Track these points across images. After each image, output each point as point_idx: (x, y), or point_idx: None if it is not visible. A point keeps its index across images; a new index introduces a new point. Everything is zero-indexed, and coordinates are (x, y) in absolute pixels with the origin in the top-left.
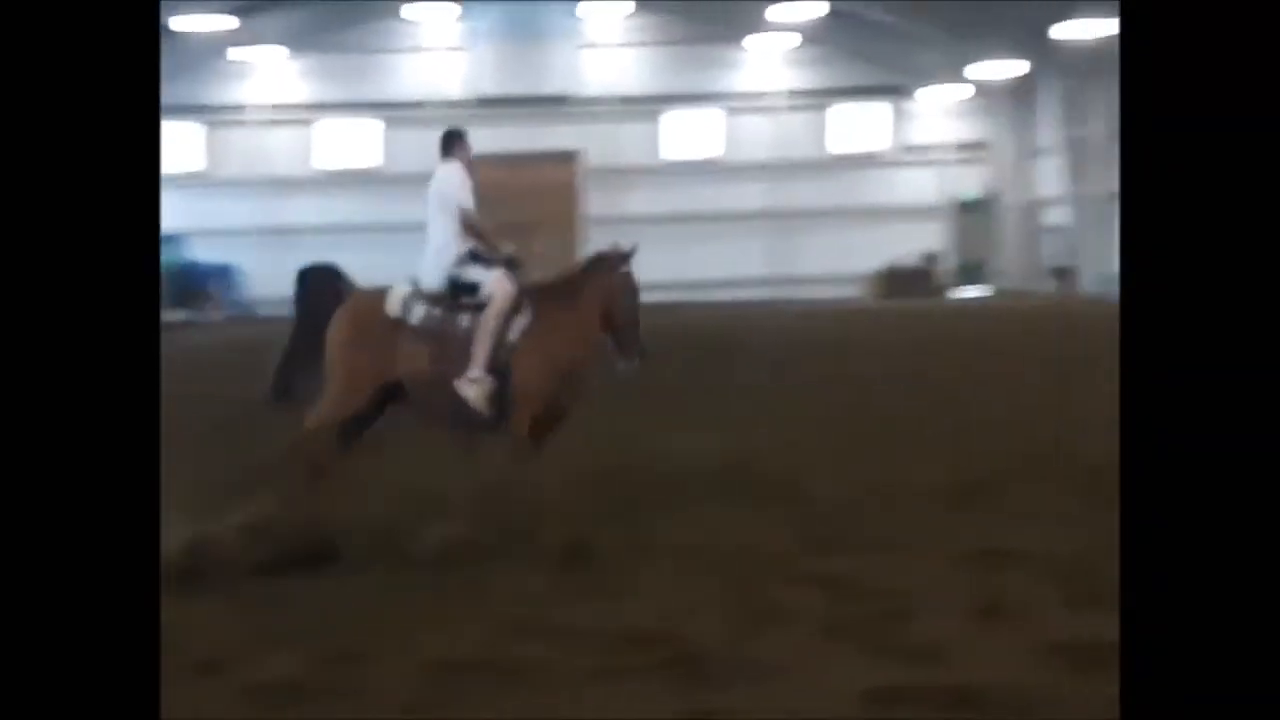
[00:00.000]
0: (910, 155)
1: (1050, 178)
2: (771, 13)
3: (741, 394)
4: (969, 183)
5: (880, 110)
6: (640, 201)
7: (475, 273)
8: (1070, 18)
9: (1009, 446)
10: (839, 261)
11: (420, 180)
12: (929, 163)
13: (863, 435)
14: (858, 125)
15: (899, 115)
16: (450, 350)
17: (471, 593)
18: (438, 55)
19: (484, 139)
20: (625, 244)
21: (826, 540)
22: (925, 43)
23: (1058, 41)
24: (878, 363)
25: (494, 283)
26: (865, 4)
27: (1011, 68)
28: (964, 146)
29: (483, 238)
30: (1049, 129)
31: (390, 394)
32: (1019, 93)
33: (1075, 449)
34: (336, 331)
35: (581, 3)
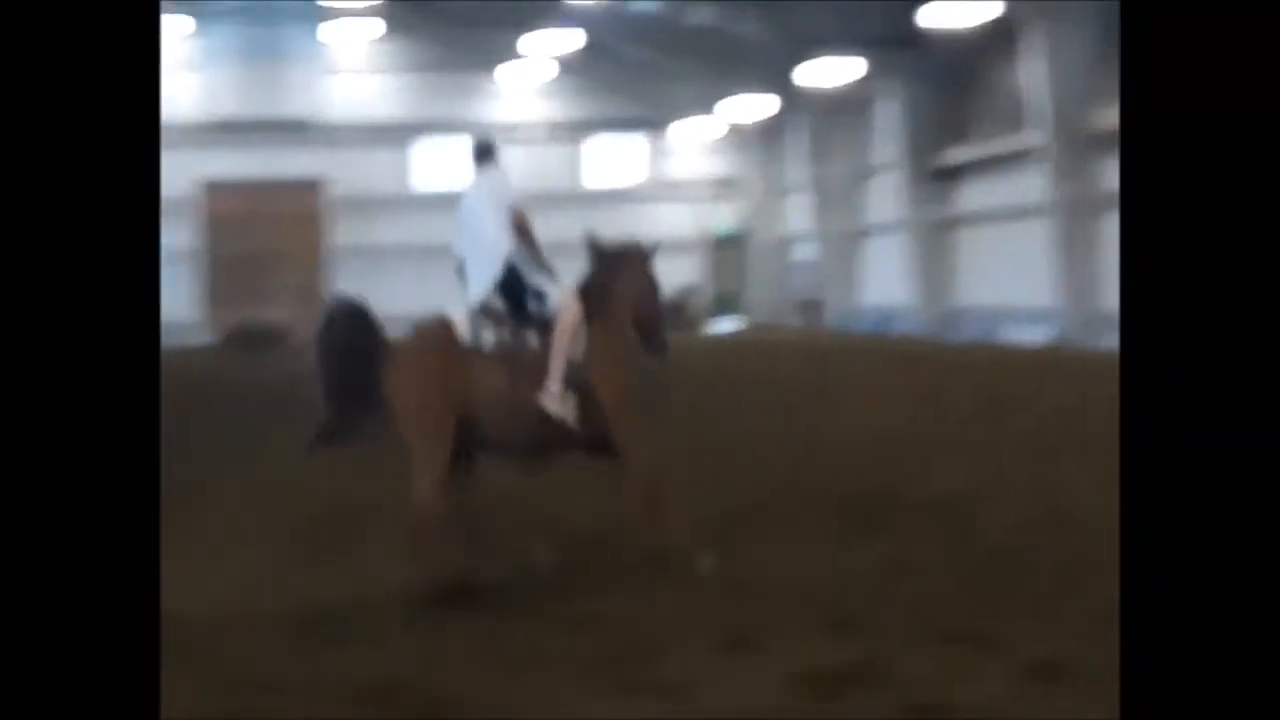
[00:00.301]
0: (665, 190)
1: (799, 214)
2: (525, 42)
3: None
4: (722, 218)
5: (636, 143)
6: (388, 232)
7: (541, 281)
8: (814, 58)
9: (762, 477)
10: None
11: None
12: (683, 198)
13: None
14: (613, 158)
15: (654, 150)
16: (523, 370)
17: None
18: (170, 73)
19: (221, 164)
20: (647, 243)
21: (576, 579)
22: (679, 78)
23: (801, 85)
24: None
25: (563, 297)
26: (621, 38)
27: (762, 105)
28: (717, 182)
29: (534, 242)
30: (797, 166)
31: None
32: (769, 131)
33: (825, 478)
34: (410, 372)
35: (324, 24)
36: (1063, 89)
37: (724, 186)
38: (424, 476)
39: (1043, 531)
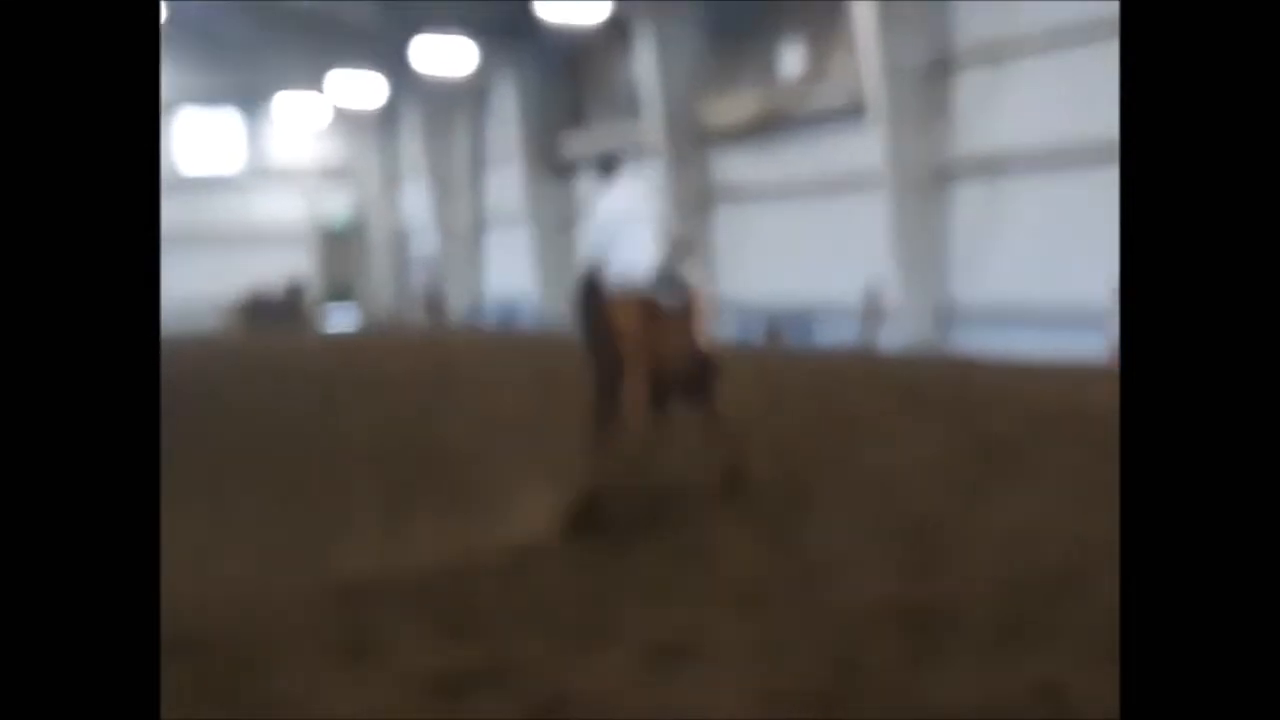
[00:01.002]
0: (270, 176)
1: (416, 204)
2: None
3: None
4: (334, 207)
5: (233, 122)
6: None
7: (688, 268)
8: (426, 32)
9: (383, 477)
10: (191, 289)
11: None
12: (291, 184)
13: (202, 475)
14: (208, 140)
15: (255, 131)
16: (690, 328)
17: None
18: None
19: None
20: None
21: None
22: (280, 51)
23: (416, 68)
24: (246, 397)
25: (700, 279)
26: (209, 13)
27: (373, 85)
28: (328, 170)
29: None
30: (412, 154)
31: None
32: (382, 116)
33: (443, 472)
34: (631, 320)
35: None
36: (671, 83)
37: (335, 174)
38: (634, 398)
39: None
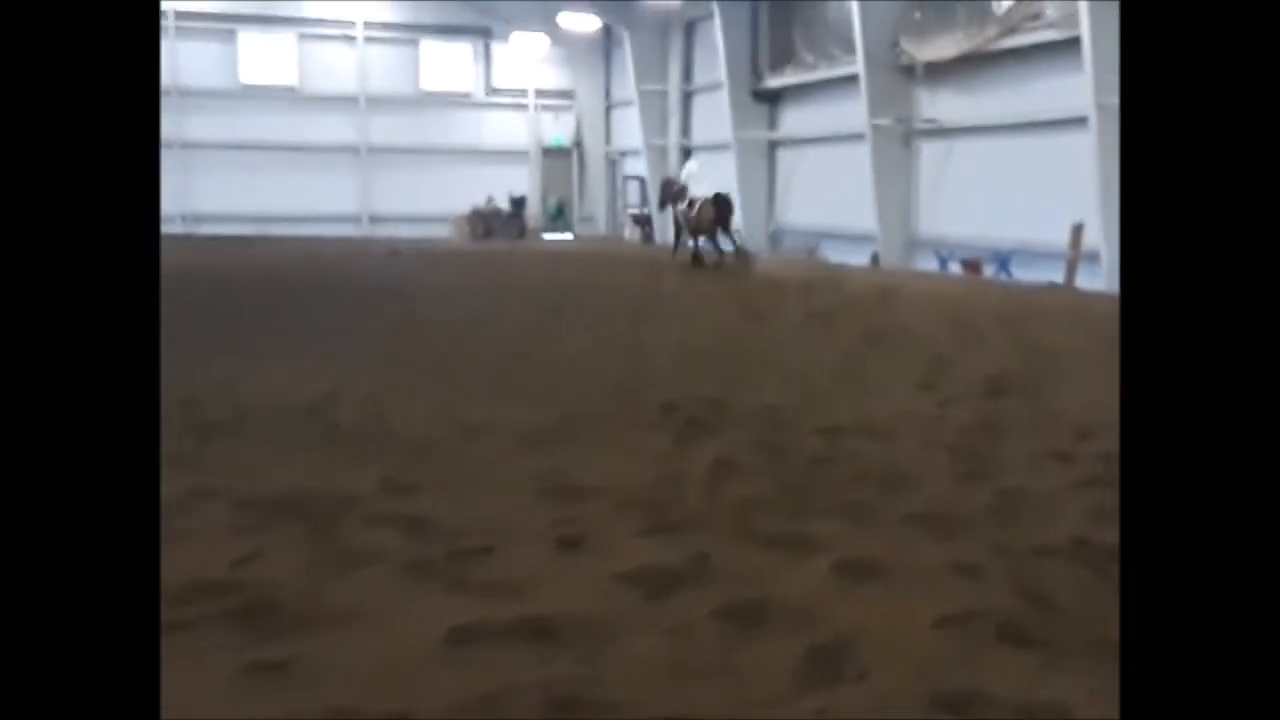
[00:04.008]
0: (498, 98)
1: (629, 129)
2: None
3: (329, 332)
4: (555, 128)
5: (468, 51)
6: (214, 127)
7: (695, 188)
8: None
9: (596, 387)
10: (428, 201)
11: None
12: (515, 107)
13: (446, 376)
14: (446, 63)
15: (487, 58)
16: (696, 214)
17: None
18: None
19: None
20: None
21: (408, 481)
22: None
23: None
24: (470, 304)
25: (703, 194)
26: None
27: (590, 21)
28: (549, 93)
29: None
30: (626, 82)
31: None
32: (599, 46)
33: (650, 389)
34: (674, 202)
35: None
36: (876, 17)
37: (558, 98)
38: (685, 242)
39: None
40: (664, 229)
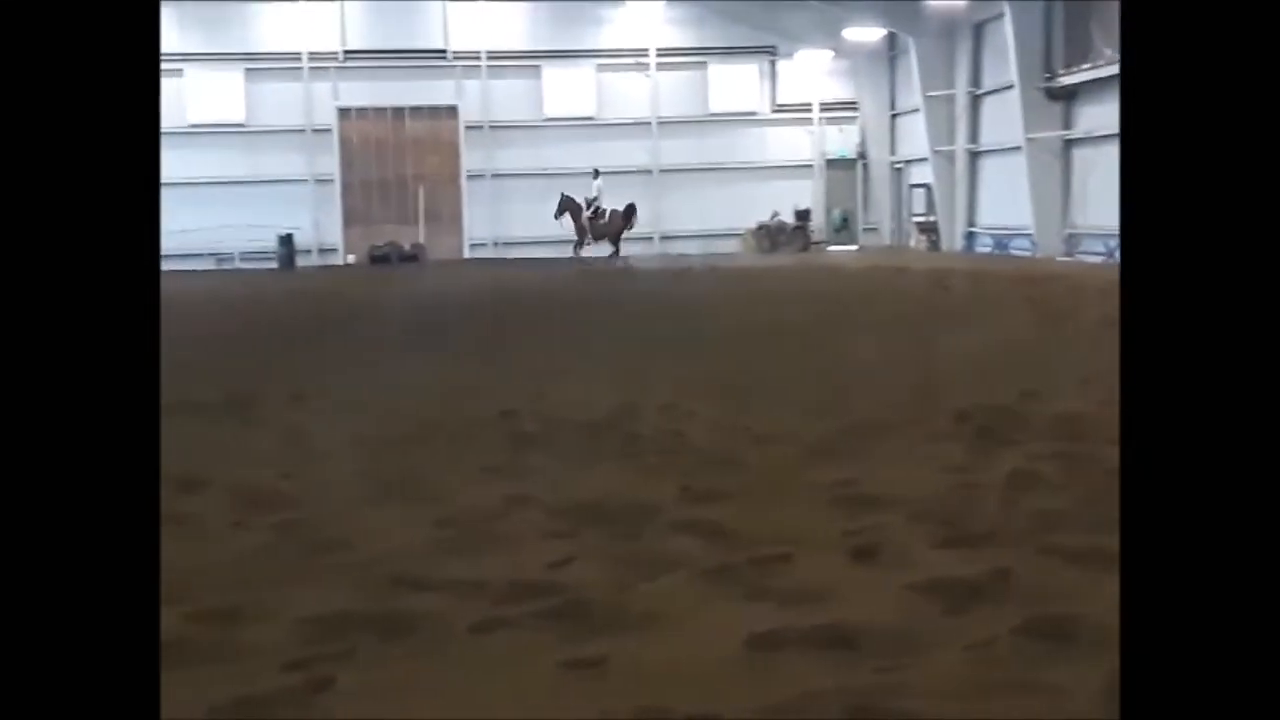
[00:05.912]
0: (782, 114)
1: (914, 137)
2: None
3: (626, 346)
4: (838, 140)
5: (753, 71)
6: (516, 158)
7: (605, 204)
8: None
9: (883, 395)
10: (717, 217)
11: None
12: (799, 121)
13: (740, 386)
14: (732, 84)
15: (772, 75)
16: (605, 223)
17: None
18: (303, 6)
19: (354, 93)
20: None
21: (705, 489)
22: (795, 6)
23: (922, 6)
24: (760, 313)
25: (610, 212)
26: None
27: (873, 32)
28: (833, 105)
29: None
30: (911, 90)
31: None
32: (883, 55)
33: (941, 397)
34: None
35: None
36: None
37: (842, 110)
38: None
39: None
40: (950, 236)
